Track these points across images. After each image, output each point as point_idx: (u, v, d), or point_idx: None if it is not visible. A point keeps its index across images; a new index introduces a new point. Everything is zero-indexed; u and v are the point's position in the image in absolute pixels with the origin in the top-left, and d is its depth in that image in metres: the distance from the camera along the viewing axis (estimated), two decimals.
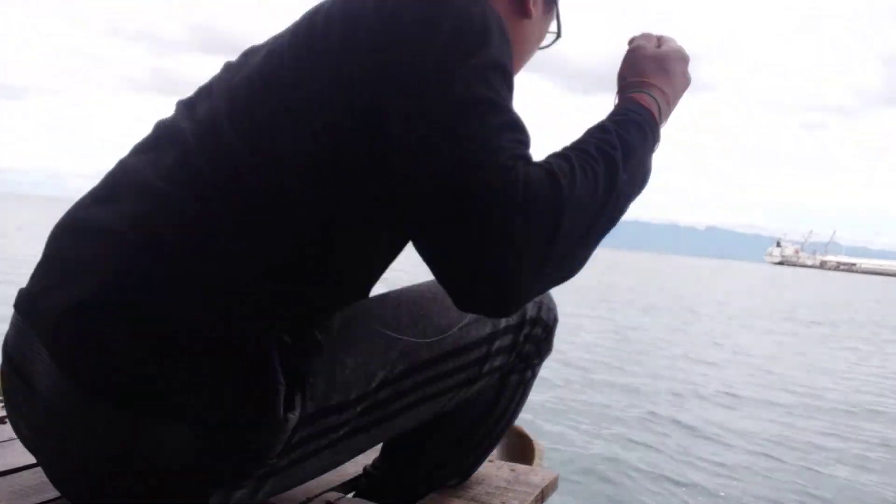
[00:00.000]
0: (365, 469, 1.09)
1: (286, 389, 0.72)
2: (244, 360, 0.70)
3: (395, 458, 1.06)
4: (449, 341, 0.88)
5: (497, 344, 0.92)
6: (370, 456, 1.08)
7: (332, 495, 1.02)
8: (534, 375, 1.03)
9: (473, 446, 1.04)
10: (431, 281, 0.91)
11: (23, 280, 0.79)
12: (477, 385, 0.94)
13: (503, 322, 0.92)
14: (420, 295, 0.91)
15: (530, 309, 0.95)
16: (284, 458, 0.76)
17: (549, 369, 6.26)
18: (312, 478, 0.87)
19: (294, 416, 0.73)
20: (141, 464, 0.71)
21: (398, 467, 1.05)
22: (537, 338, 0.98)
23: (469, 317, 0.90)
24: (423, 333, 0.87)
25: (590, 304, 14.02)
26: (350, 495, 1.06)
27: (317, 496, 1.00)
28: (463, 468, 1.08)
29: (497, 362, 0.94)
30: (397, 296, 0.91)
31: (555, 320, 1.00)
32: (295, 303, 0.74)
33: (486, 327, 0.91)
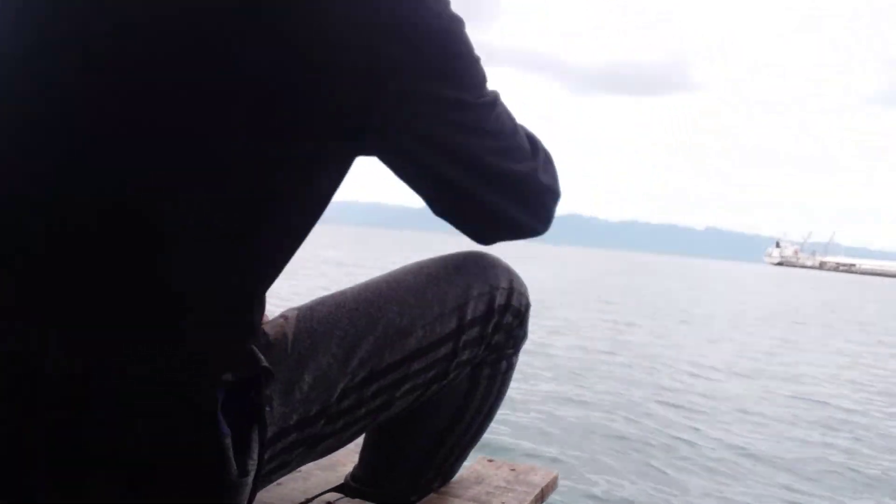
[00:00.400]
0: (346, 479, 1.07)
1: (235, 435, 0.65)
2: (186, 423, 0.62)
3: (372, 466, 1.03)
4: (413, 341, 0.84)
5: (464, 338, 0.88)
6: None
7: (332, 496, 1.01)
8: (510, 367, 0.98)
9: (452, 447, 1.00)
10: (387, 276, 0.89)
11: None
12: (446, 381, 0.90)
13: (469, 314, 0.88)
14: (377, 294, 0.86)
15: (499, 296, 0.91)
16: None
17: (543, 370, 6.28)
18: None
19: (252, 461, 0.68)
20: None
21: (377, 476, 1.02)
22: (509, 326, 0.93)
23: (433, 313, 0.86)
24: (384, 336, 0.82)
25: (585, 305, 14.02)
26: (350, 496, 1.05)
27: (316, 496, 1.00)
28: (444, 470, 1.04)
29: (465, 356, 0.89)
30: (353, 297, 0.85)
31: (527, 306, 0.96)
32: (240, 319, 0.66)
33: (452, 322, 0.87)
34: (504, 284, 0.92)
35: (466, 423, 0.98)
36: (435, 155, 0.71)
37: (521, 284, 0.95)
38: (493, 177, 0.75)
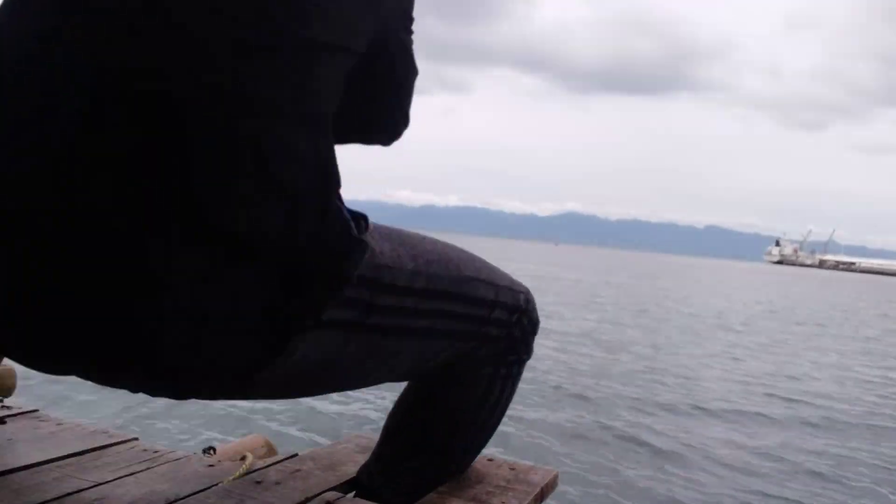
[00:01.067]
0: (360, 472, 1.09)
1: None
2: (317, 180, 0.70)
3: (389, 458, 1.06)
4: (463, 287, 0.93)
5: (495, 314, 0.98)
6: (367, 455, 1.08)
7: (332, 495, 1.01)
8: (520, 372, 1.07)
9: (469, 440, 1.06)
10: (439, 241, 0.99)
11: None
12: (472, 345, 0.97)
13: (500, 297, 0.99)
14: (437, 243, 0.96)
15: (521, 300, 1.02)
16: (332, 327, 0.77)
17: (541, 370, 6.28)
18: (335, 381, 0.90)
19: (367, 242, 0.74)
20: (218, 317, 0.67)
21: (394, 468, 1.05)
22: (525, 329, 1.03)
23: (479, 278, 0.96)
24: (444, 268, 0.92)
25: (582, 305, 14.02)
26: (350, 495, 1.05)
27: (316, 496, 1.00)
28: (462, 465, 1.10)
29: (493, 331, 0.99)
30: (419, 234, 0.96)
31: (537, 322, 1.07)
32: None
33: (490, 293, 0.97)
34: (523, 291, 1.04)
35: (485, 417, 1.04)
36: (402, 55, 0.85)
37: (535, 305, 1.07)
38: (414, 74, 0.89)
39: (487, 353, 1.00)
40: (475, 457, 1.11)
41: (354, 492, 1.08)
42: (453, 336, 0.95)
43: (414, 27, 0.87)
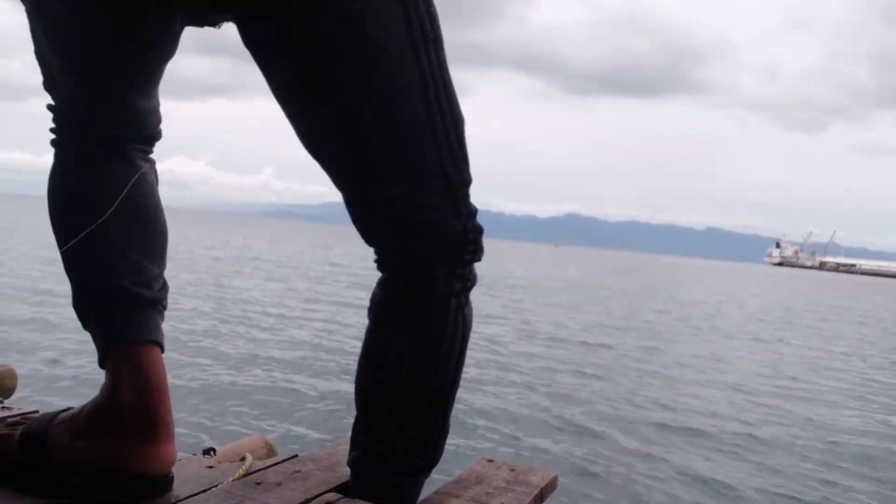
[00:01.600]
0: (348, 464, 1.06)
1: None
2: None
3: (365, 427, 1.02)
4: (461, 123, 0.99)
5: (465, 189, 0.97)
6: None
7: (332, 496, 1.01)
8: (468, 303, 1.01)
9: (435, 386, 0.99)
10: None
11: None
12: (437, 197, 0.95)
13: (469, 178, 0.98)
14: None
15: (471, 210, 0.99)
16: None
17: (540, 370, 6.28)
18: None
19: None
20: None
21: (374, 436, 1.01)
22: (477, 243, 0.98)
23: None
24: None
25: (581, 305, 14.01)
26: (351, 496, 1.05)
27: (316, 497, 1.00)
28: (437, 419, 1.02)
29: (462, 208, 0.96)
30: None
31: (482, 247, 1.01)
32: None
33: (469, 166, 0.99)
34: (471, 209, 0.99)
35: (444, 359, 0.98)
36: None
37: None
38: None
39: (442, 271, 0.96)
40: (447, 413, 1.03)
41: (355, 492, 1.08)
42: (440, 149, 0.94)
43: None
